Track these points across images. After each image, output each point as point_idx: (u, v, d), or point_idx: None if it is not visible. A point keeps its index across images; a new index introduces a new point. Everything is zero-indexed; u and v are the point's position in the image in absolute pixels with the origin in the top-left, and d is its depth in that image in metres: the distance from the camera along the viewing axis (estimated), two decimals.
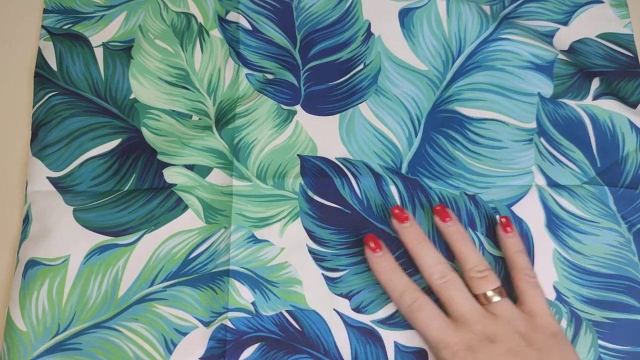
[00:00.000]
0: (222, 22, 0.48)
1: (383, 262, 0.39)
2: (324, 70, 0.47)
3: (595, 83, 0.46)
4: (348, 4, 0.48)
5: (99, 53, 0.47)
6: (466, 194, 0.44)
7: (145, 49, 0.47)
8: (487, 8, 0.49)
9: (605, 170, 0.44)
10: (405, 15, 0.48)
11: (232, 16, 0.48)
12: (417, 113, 0.46)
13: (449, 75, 0.46)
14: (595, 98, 0.46)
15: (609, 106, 0.45)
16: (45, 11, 0.48)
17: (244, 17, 0.48)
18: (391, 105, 0.46)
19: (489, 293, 0.38)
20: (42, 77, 0.46)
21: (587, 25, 0.48)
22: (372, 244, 0.40)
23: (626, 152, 0.44)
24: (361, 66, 0.47)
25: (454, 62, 0.47)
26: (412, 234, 0.40)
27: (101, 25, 0.48)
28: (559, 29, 0.48)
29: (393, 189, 0.44)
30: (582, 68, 0.47)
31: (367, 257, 0.40)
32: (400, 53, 0.47)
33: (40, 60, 0.47)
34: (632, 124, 0.45)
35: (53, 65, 0.47)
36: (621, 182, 0.44)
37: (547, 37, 0.48)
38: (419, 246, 0.40)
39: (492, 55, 0.47)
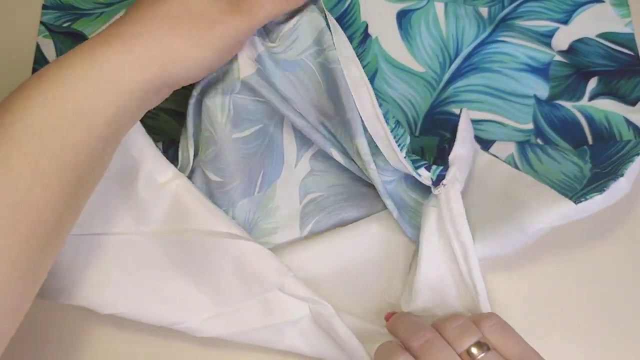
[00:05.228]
0: None
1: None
2: None
3: (592, 83, 0.46)
4: (346, 5, 0.48)
5: None
6: None
7: None
8: (484, 10, 0.48)
9: None
10: (403, 17, 0.48)
11: None
12: (414, 115, 0.46)
13: (446, 77, 0.46)
14: (591, 99, 0.46)
15: (605, 106, 0.45)
16: (44, 7, 0.48)
17: None
18: (388, 108, 0.46)
19: (473, 350, 0.33)
20: None
21: (588, 24, 0.48)
22: None
23: None
24: None
25: (451, 64, 0.47)
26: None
27: (100, 22, 0.48)
28: (559, 28, 0.48)
29: None
30: (579, 68, 0.47)
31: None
32: (398, 55, 0.47)
33: (39, 57, 0.47)
34: (628, 122, 0.45)
35: None
36: None
37: (547, 36, 0.47)
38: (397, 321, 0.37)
39: (488, 57, 0.47)
